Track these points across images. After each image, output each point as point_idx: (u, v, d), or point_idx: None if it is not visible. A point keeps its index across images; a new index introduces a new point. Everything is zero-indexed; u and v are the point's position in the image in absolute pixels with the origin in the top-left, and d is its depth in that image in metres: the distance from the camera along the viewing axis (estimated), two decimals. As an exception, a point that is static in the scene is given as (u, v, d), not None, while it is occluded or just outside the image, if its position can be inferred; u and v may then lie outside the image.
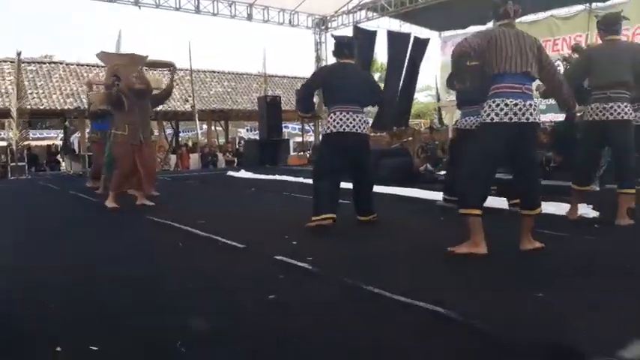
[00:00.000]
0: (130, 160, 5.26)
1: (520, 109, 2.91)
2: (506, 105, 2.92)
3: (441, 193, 5.11)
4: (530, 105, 2.94)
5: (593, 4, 11.55)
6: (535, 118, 2.97)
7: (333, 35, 4.46)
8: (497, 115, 2.94)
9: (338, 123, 3.90)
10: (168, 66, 6.70)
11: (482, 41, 2.98)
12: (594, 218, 4.16)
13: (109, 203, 5.28)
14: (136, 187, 5.57)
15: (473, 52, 2.96)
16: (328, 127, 3.99)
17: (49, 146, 19.48)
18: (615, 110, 3.84)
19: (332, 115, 3.96)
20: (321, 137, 4.16)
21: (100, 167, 6.64)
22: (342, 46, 4.15)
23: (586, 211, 4.32)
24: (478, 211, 2.97)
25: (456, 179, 3.81)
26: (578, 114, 5.24)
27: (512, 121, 2.91)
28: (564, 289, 2.41)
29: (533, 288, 2.38)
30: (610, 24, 4.00)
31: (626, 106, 3.84)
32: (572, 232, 3.69)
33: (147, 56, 5.74)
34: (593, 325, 1.95)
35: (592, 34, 11.38)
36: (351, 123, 3.90)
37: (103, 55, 5.65)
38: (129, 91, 5.18)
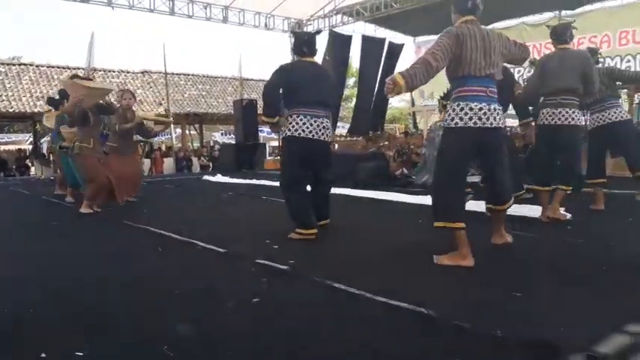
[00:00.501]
0: (102, 171, 5.38)
1: (484, 114, 2.85)
2: (471, 109, 2.85)
3: (417, 197, 5.19)
4: (495, 109, 2.89)
5: (563, 12, 11.90)
6: (499, 123, 2.91)
7: (292, 31, 4.29)
8: (461, 119, 2.86)
9: (301, 127, 3.68)
10: (167, 122, 7.08)
11: (452, 41, 2.82)
12: (567, 220, 4.29)
13: (84, 209, 5.33)
14: (106, 200, 5.61)
15: (445, 57, 2.80)
16: (291, 132, 3.71)
17: (19, 150, 18.95)
18: (564, 115, 4.04)
19: (294, 117, 3.71)
20: (282, 141, 3.80)
21: (64, 176, 6.64)
22: (300, 43, 3.90)
23: (560, 212, 4.45)
24: (462, 224, 2.89)
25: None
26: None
27: (477, 125, 2.84)
28: (541, 288, 2.48)
29: (511, 288, 2.44)
30: (560, 33, 4.19)
31: (574, 112, 4.04)
32: (546, 234, 3.80)
33: (111, 89, 6.28)
34: (570, 322, 2.02)
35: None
36: (314, 129, 3.70)
37: (70, 83, 5.52)
38: (94, 107, 5.36)
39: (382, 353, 1.81)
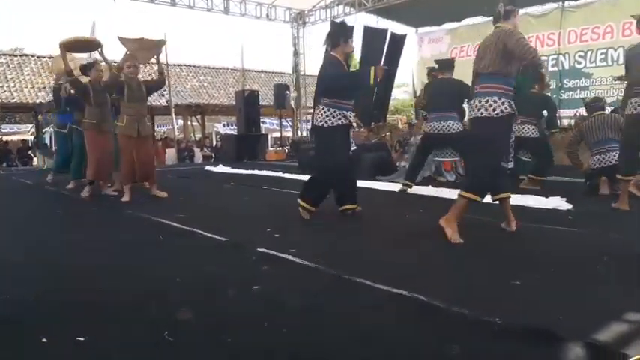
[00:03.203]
0: (130, 151, 5.29)
1: (510, 103, 3.21)
2: (503, 103, 3.19)
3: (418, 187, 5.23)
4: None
5: (566, 2, 11.81)
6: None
7: (332, 21, 4.36)
8: (503, 111, 3.18)
9: (340, 115, 3.91)
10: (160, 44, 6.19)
11: None
12: (568, 210, 4.29)
13: (126, 197, 5.31)
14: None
15: None
16: (334, 119, 3.91)
17: (23, 141, 18.99)
18: None
19: (330, 108, 3.92)
20: (322, 129, 3.97)
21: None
22: (338, 36, 4.02)
23: (559, 203, 4.46)
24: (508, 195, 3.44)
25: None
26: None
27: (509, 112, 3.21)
28: (540, 277, 2.49)
29: (511, 276, 2.46)
30: None
31: None
32: (547, 223, 3.80)
33: (164, 41, 5.89)
34: (569, 310, 2.03)
35: (565, 32, 11.67)
36: (348, 117, 3.95)
37: (122, 40, 5.53)
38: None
39: (383, 340, 1.82)
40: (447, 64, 5.80)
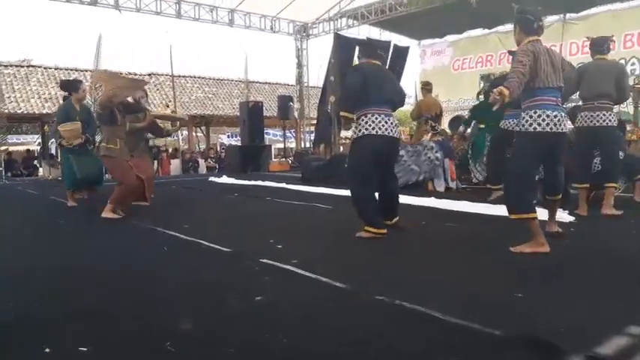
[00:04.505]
0: (132, 174, 5.11)
1: (559, 120, 3.22)
2: (548, 116, 3.21)
3: (421, 198, 5.22)
4: (563, 116, 3.27)
5: (567, 15, 11.89)
6: (566, 128, 3.31)
7: (363, 41, 4.44)
8: (539, 125, 3.21)
9: (377, 125, 3.76)
10: (181, 120, 6.49)
11: (530, 57, 3.18)
12: (570, 222, 4.29)
13: (108, 214, 4.97)
14: (139, 199, 5.47)
15: (528, 70, 3.17)
16: (368, 130, 3.77)
17: (27, 150, 19.11)
18: (601, 117, 4.54)
19: (369, 116, 3.78)
20: (354, 140, 3.90)
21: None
22: (374, 46, 4.15)
23: (561, 215, 4.45)
24: (535, 214, 3.23)
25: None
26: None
27: (552, 130, 3.21)
28: (542, 289, 2.50)
29: (513, 288, 2.46)
30: (598, 45, 4.68)
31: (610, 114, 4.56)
32: (549, 235, 3.80)
33: (147, 82, 5.71)
34: (570, 323, 2.03)
35: (566, 44, 11.73)
36: (389, 126, 3.80)
37: (106, 75, 5.50)
38: (122, 106, 5.11)
39: (384, 351, 1.83)
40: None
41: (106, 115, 5.00)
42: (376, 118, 3.77)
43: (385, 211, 3.97)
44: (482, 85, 7.13)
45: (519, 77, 3.13)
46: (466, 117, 7.15)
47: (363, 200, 3.83)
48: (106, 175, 6.99)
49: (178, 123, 6.47)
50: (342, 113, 3.93)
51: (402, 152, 7.50)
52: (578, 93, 4.70)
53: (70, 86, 6.13)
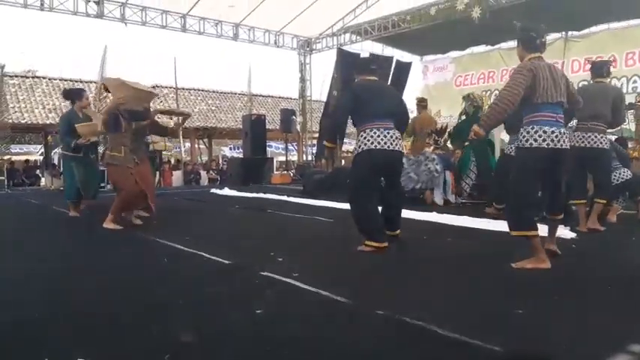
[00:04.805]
0: (133, 181, 5.00)
1: (556, 136, 3.19)
2: (545, 132, 3.19)
3: (423, 213, 5.22)
4: (563, 133, 3.25)
5: (569, 32, 11.99)
6: (566, 145, 3.27)
7: (370, 54, 4.55)
8: (535, 140, 3.20)
9: (376, 140, 3.77)
10: (185, 115, 6.30)
11: (527, 75, 3.19)
12: (572, 239, 4.29)
13: (110, 225, 4.93)
14: (143, 208, 5.32)
15: (522, 92, 3.19)
16: (367, 145, 3.78)
17: (26, 161, 19.18)
18: (592, 139, 4.60)
19: (367, 131, 3.80)
20: (355, 156, 3.92)
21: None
22: (366, 63, 4.18)
23: (563, 232, 4.45)
24: (536, 232, 3.21)
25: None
26: None
27: (549, 147, 3.18)
28: (543, 305, 2.49)
29: (513, 304, 2.46)
30: (597, 68, 4.77)
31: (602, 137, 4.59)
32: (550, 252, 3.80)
33: (157, 94, 5.51)
34: (571, 340, 2.03)
35: (568, 61, 11.81)
36: (388, 140, 3.80)
37: (117, 83, 5.23)
38: (126, 113, 4.99)
39: (382, 365, 1.83)
40: None
41: (111, 122, 4.94)
42: (374, 133, 3.78)
43: (387, 223, 3.98)
44: (463, 105, 7.22)
45: (505, 105, 3.18)
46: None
47: (363, 215, 3.83)
48: (108, 186, 6.99)
49: (181, 119, 6.15)
50: (325, 143, 4.00)
51: (403, 160, 7.59)
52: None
53: (72, 94, 6.14)
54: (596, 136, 4.54)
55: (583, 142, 4.58)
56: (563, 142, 3.23)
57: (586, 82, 11.51)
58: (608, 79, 4.87)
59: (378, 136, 3.77)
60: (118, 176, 5.09)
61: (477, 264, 3.40)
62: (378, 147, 3.76)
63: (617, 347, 1.92)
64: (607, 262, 3.48)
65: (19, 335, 2.14)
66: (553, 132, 3.19)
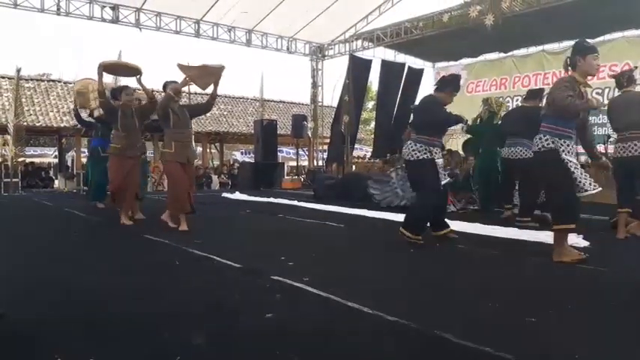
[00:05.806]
0: (183, 177, 5.00)
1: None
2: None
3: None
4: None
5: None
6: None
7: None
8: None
9: (426, 150, 4.25)
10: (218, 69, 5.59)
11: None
12: (585, 247, 4.24)
13: (167, 218, 5.13)
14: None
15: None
16: (420, 153, 4.25)
17: (32, 163, 19.38)
18: (633, 147, 4.67)
19: (417, 143, 4.28)
20: (410, 162, 4.37)
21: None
22: (447, 83, 4.48)
23: (577, 240, 4.41)
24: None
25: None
26: None
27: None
28: (556, 314, 2.46)
29: (526, 313, 2.44)
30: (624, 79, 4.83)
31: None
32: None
33: (222, 67, 5.40)
34: (584, 350, 2.00)
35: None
36: (433, 152, 4.29)
37: (181, 67, 5.31)
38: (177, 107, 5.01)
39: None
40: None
41: (163, 118, 4.98)
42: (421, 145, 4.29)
43: (440, 224, 4.50)
44: (481, 107, 7.19)
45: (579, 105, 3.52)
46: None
47: (427, 209, 4.28)
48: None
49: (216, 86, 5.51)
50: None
51: (392, 174, 7.65)
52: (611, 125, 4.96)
53: (114, 93, 6.06)
54: (636, 144, 4.58)
55: (624, 151, 4.65)
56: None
57: (600, 90, 11.57)
58: (634, 87, 4.88)
59: (424, 149, 4.28)
60: (167, 172, 5.22)
61: (488, 271, 3.38)
62: (430, 157, 4.29)
63: (631, 357, 1.89)
64: (621, 272, 3.43)
65: (30, 335, 2.16)
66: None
